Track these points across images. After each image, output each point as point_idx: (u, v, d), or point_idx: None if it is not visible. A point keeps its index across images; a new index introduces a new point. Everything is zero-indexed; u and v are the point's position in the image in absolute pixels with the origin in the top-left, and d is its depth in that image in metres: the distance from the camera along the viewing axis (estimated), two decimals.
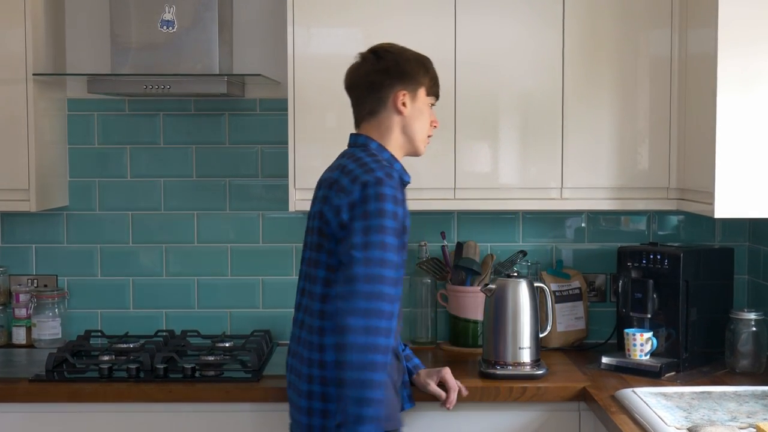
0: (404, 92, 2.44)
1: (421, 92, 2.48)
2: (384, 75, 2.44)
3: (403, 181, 2.45)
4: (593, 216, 3.42)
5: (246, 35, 3.35)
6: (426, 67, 2.50)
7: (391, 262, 2.25)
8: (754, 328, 2.94)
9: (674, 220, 3.42)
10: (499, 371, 2.87)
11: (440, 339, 3.37)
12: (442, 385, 2.69)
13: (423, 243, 3.32)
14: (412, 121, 2.46)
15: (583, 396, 2.78)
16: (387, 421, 2.34)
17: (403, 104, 2.44)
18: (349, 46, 3.02)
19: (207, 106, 3.40)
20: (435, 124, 2.54)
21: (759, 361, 2.95)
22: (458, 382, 2.72)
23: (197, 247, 3.42)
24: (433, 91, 2.53)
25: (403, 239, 2.35)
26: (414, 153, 2.52)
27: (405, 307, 3.37)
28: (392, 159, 2.45)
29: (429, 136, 2.54)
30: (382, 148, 2.45)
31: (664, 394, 2.60)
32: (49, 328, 3.32)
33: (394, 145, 2.47)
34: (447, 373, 2.69)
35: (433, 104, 2.54)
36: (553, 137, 3.03)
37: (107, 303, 3.43)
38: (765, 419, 2.35)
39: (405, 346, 2.76)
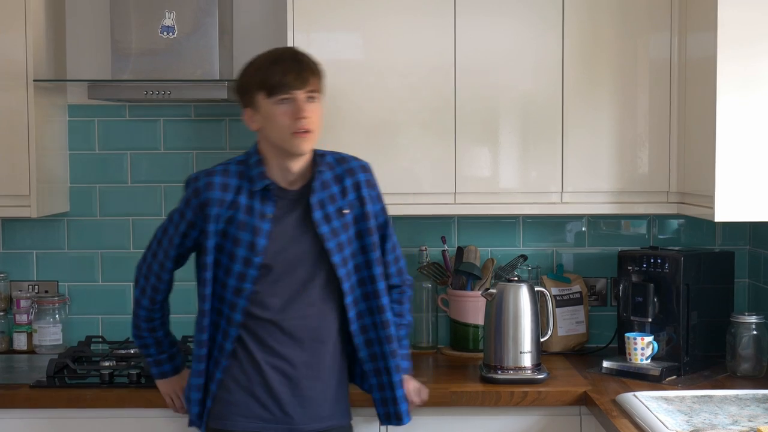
0: (246, 110, 2.45)
1: (260, 99, 2.40)
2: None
3: (261, 186, 2.44)
4: (594, 220, 3.42)
5: (246, 41, 3.36)
6: (256, 69, 2.41)
7: (150, 247, 2.56)
8: (754, 332, 2.94)
9: (674, 223, 3.42)
10: (500, 375, 2.87)
11: (441, 344, 3.37)
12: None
13: (423, 248, 3.32)
14: (266, 131, 2.42)
15: (584, 400, 2.78)
16: (218, 419, 2.46)
17: (253, 121, 2.44)
18: (348, 51, 3.04)
19: (207, 112, 3.41)
20: (298, 115, 2.37)
21: (760, 364, 2.95)
22: (419, 392, 2.65)
23: None
24: (277, 87, 2.36)
25: (225, 245, 2.43)
26: (293, 154, 2.42)
27: None
28: (255, 165, 2.46)
29: (299, 132, 2.38)
30: (253, 153, 2.49)
31: (666, 398, 2.60)
32: (50, 334, 3.32)
33: (270, 155, 2.46)
34: (408, 386, 2.62)
35: (287, 97, 2.37)
36: (553, 141, 3.03)
37: (108, 309, 3.43)
38: (766, 423, 2.35)
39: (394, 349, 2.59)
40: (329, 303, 2.50)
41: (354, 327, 2.51)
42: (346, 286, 2.48)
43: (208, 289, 2.47)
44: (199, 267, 2.51)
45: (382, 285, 2.52)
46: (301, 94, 2.38)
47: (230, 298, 2.44)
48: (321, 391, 2.50)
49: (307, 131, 2.39)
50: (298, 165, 2.46)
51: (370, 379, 2.55)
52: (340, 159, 2.56)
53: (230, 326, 2.45)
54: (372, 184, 2.56)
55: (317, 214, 2.45)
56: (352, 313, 2.50)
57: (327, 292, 2.49)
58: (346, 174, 2.52)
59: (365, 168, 2.57)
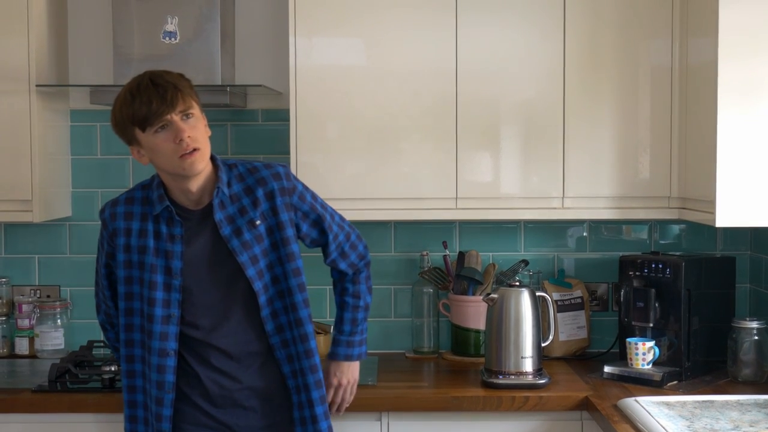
0: (131, 148, 2.39)
1: (138, 135, 2.32)
2: None
3: (159, 209, 2.41)
4: (595, 225, 3.42)
5: (248, 46, 3.36)
6: (121, 107, 2.33)
7: (95, 276, 2.57)
8: (756, 337, 2.94)
9: (676, 229, 3.42)
10: (502, 380, 2.87)
11: (442, 348, 3.37)
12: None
13: (425, 252, 3.32)
14: (156, 162, 2.35)
15: (585, 405, 2.78)
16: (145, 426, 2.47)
17: (141, 157, 2.38)
18: (350, 56, 3.05)
19: (209, 117, 3.34)
20: (177, 140, 2.30)
21: (761, 369, 2.95)
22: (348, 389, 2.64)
23: None
24: (146, 119, 2.29)
25: (143, 276, 2.41)
26: (189, 176, 2.35)
27: (407, 316, 3.38)
28: (156, 188, 2.43)
29: (186, 154, 2.31)
30: (155, 178, 2.45)
31: (667, 404, 2.60)
32: (52, 339, 3.32)
33: (168, 180, 2.41)
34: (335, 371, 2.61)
35: (162, 124, 2.30)
36: (555, 146, 3.03)
37: None
38: (767, 428, 2.35)
39: (339, 333, 2.61)
40: (257, 317, 2.43)
41: (274, 340, 2.43)
42: (262, 299, 2.41)
43: (122, 319, 2.44)
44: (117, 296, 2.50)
45: (299, 297, 2.43)
46: (174, 116, 2.30)
47: (160, 329, 2.39)
48: (264, 400, 2.46)
49: (193, 150, 2.32)
50: (197, 184, 2.39)
51: (292, 396, 2.46)
52: (252, 169, 2.47)
53: (165, 358, 2.39)
54: (287, 191, 2.45)
55: (225, 230, 2.40)
56: (269, 327, 2.43)
57: (252, 305, 2.42)
58: (258, 184, 2.44)
59: (278, 175, 2.46)
